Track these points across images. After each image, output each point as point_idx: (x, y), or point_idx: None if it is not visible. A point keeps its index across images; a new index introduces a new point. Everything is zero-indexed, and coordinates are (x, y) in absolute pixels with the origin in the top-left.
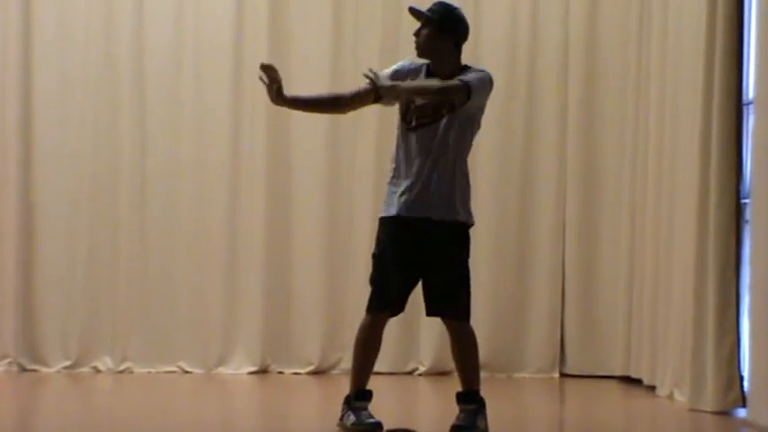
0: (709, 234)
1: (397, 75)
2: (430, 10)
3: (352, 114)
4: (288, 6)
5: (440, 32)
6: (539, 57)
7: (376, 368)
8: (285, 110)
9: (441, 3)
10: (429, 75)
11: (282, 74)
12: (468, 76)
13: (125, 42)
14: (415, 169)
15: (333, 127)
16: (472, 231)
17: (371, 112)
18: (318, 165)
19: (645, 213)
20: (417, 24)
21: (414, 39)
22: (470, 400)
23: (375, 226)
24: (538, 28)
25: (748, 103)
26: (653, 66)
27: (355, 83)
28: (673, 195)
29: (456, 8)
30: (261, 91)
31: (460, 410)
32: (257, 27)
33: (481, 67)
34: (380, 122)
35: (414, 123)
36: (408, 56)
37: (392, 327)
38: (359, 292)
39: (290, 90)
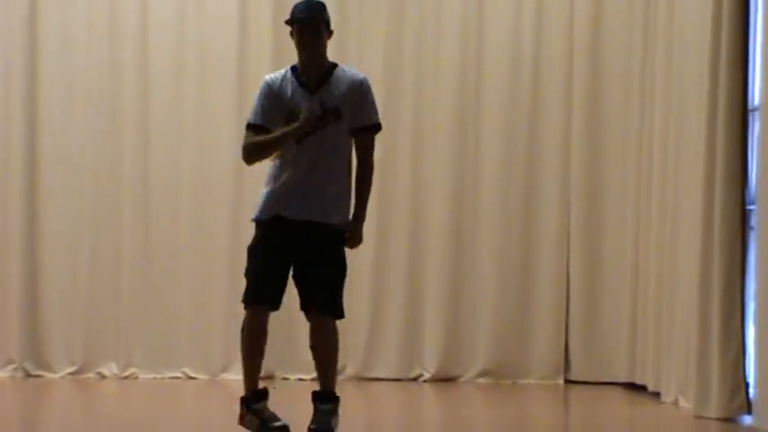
0: (715, 240)
1: (272, 105)
2: (322, 19)
3: None
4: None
5: (329, 32)
6: (542, 64)
7: (379, 374)
8: None
9: (318, 4)
10: (298, 78)
11: None
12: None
13: (128, 50)
14: None
15: None
16: (476, 238)
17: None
18: None
19: (649, 220)
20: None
21: (307, 51)
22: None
23: (380, 231)
24: (541, 35)
25: (754, 110)
26: (658, 73)
27: None
28: (677, 202)
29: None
30: None
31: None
32: (261, 33)
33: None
34: (383, 131)
35: None
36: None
37: (396, 333)
38: (364, 299)
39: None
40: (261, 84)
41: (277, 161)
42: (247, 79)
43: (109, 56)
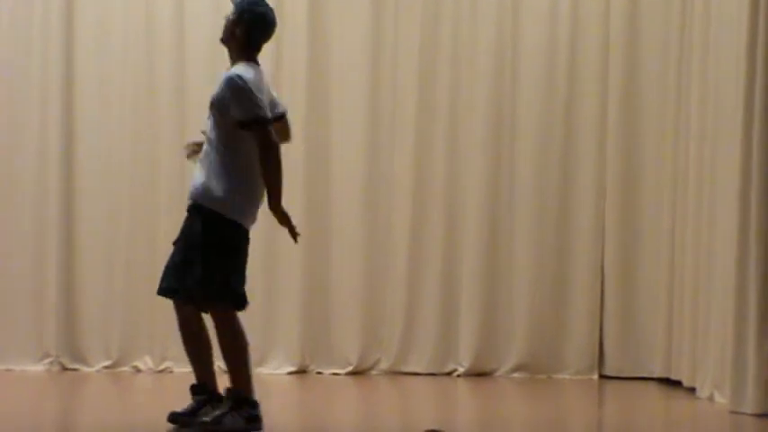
0: (751, 233)
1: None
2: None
3: (390, 117)
4: (327, 12)
5: (238, 21)
6: (578, 56)
7: (413, 369)
8: (323, 113)
9: None
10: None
11: (321, 83)
12: (239, 110)
13: (164, 47)
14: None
15: (371, 128)
16: (510, 232)
17: (409, 114)
18: (356, 164)
19: (685, 213)
20: None
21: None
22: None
23: (415, 224)
24: (578, 28)
25: None
26: (694, 64)
27: (393, 91)
28: (714, 194)
29: (258, 3)
30: (300, 95)
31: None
32: (296, 33)
33: (227, 75)
34: (418, 121)
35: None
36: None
37: (430, 327)
38: (398, 292)
39: (328, 104)
40: (248, 79)
41: (242, 161)
42: (282, 75)
43: (145, 53)
